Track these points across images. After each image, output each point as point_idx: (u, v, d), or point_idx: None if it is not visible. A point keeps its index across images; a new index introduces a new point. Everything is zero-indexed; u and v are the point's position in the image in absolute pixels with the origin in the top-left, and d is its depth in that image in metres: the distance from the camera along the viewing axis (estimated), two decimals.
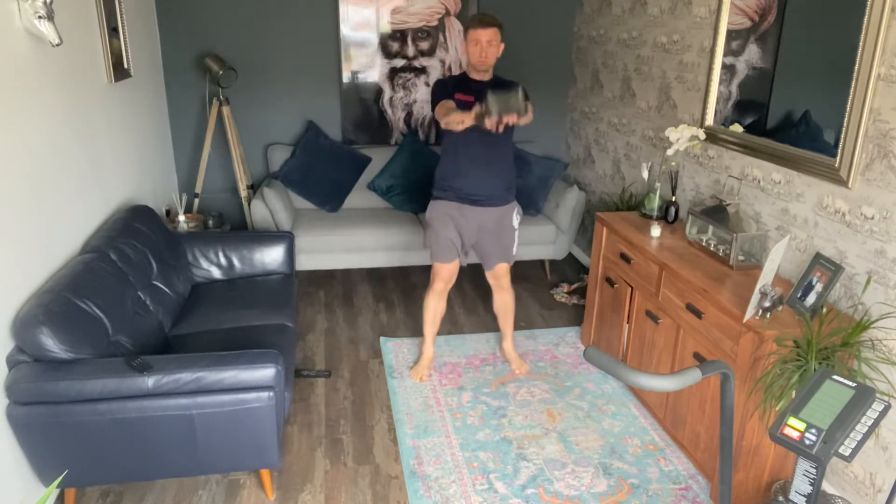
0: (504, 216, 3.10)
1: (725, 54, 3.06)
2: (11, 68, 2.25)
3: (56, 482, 1.51)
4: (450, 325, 3.85)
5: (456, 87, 2.94)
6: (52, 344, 2.10)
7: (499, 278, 3.25)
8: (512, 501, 2.49)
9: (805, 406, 1.51)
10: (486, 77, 2.98)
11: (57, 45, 2.34)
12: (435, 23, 4.64)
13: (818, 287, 2.30)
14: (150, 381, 2.12)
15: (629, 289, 3.10)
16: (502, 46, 2.92)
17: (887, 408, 1.48)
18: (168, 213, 4.02)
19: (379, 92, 4.73)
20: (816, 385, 1.55)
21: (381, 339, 3.69)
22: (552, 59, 4.90)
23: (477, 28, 2.83)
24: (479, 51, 2.85)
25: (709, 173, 3.23)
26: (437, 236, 3.10)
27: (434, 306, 3.25)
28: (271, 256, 3.38)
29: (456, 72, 4.78)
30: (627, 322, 3.14)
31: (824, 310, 2.26)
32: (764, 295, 2.26)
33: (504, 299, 3.32)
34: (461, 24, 4.66)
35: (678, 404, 2.75)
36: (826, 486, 2.47)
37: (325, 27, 4.52)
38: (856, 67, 2.26)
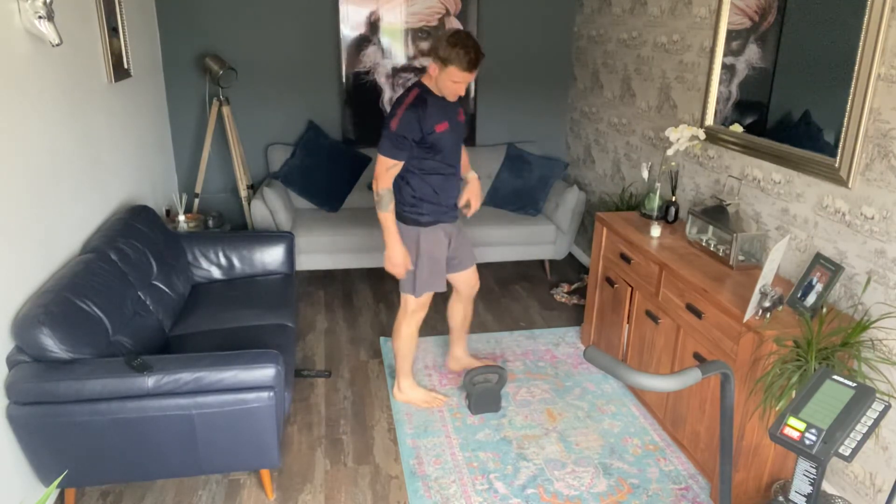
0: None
1: (725, 54, 3.06)
2: (11, 68, 2.25)
3: (56, 482, 1.50)
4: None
5: (428, 118, 2.60)
6: (52, 344, 2.10)
7: (473, 285, 3.09)
8: (512, 501, 2.49)
9: (805, 406, 1.51)
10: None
11: (57, 45, 2.34)
12: (435, 23, 4.64)
13: (818, 287, 2.30)
14: (150, 381, 2.12)
15: (629, 289, 3.10)
16: None
17: (887, 408, 1.48)
18: (168, 213, 4.03)
19: (379, 92, 4.73)
20: (816, 385, 1.55)
21: (381, 339, 3.69)
22: (552, 59, 4.90)
23: (465, 71, 2.51)
24: (458, 90, 2.59)
25: (709, 173, 3.23)
26: (437, 264, 2.85)
27: (416, 336, 3.00)
28: (271, 256, 3.39)
29: None
30: (627, 322, 3.14)
31: (824, 310, 2.26)
32: (764, 295, 2.26)
33: (469, 309, 3.19)
34: (461, 25, 4.66)
35: (678, 404, 2.75)
36: (826, 486, 2.47)
37: (325, 27, 4.53)
38: (856, 67, 2.26)
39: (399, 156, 2.61)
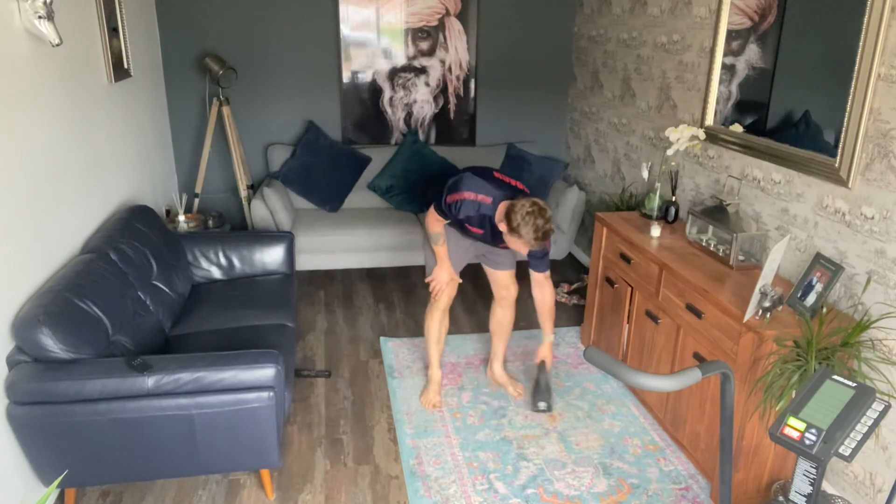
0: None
1: (725, 54, 3.06)
2: (11, 68, 2.25)
3: (56, 482, 1.50)
4: (450, 325, 3.84)
5: (471, 220, 2.73)
6: (52, 344, 2.10)
7: (509, 287, 3.06)
8: (512, 501, 2.49)
9: (805, 406, 1.51)
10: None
11: (57, 45, 2.34)
12: (435, 23, 4.64)
13: (818, 287, 2.30)
14: (150, 381, 2.12)
15: (629, 289, 3.10)
16: None
17: (887, 408, 1.48)
18: (168, 213, 4.03)
19: (379, 92, 4.73)
20: (816, 385, 1.55)
21: (381, 339, 3.69)
22: (552, 59, 4.90)
23: (527, 245, 2.56)
24: (518, 249, 2.66)
25: (709, 173, 3.23)
26: (449, 246, 2.92)
27: (439, 324, 3.06)
28: (271, 256, 3.38)
29: (457, 72, 4.78)
30: (627, 322, 3.14)
31: (824, 310, 2.26)
32: (764, 295, 2.26)
33: (507, 315, 3.12)
34: (461, 25, 4.66)
35: (678, 404, 2.75)
36: (826, 486, 2.47)
37: (325, 27, 4.53)
38: (856, 67, 2.26)
39: (445, 217, 2.80)
